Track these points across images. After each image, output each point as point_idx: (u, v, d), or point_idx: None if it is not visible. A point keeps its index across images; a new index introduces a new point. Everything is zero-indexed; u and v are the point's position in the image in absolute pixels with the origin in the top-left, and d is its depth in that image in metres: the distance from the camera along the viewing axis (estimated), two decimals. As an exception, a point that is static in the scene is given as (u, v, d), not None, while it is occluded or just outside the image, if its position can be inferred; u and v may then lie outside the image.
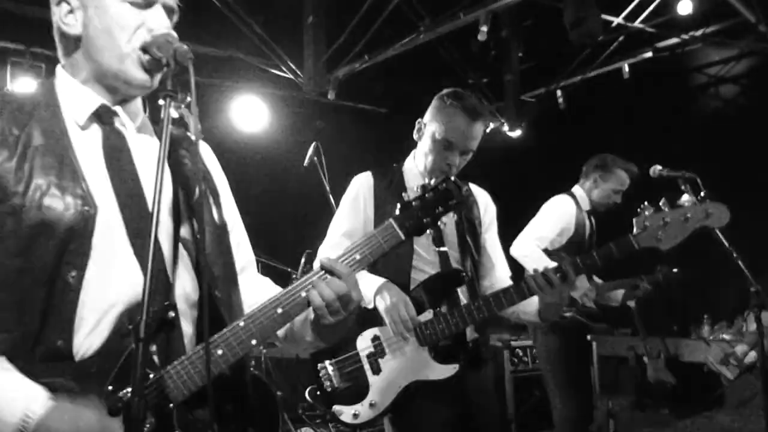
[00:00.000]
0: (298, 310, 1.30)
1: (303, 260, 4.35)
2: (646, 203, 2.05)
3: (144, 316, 1.00)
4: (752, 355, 4.62)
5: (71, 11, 1.28)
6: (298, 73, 5.82)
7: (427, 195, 1.45)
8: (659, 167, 3.18)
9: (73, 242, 1.16)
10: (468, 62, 6.95)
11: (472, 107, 2.28)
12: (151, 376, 1.16)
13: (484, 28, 5.03)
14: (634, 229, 2.05)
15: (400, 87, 6.61)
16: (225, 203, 1.47)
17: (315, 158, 4.21)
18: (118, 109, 1.32)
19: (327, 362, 2.16)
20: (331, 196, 4.27)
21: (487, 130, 2.30)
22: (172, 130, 1.12)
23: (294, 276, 4.63)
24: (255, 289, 1.48)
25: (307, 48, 5.85)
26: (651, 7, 5.57)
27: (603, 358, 4.89)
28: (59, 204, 1.17)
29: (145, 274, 1.02)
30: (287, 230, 5.69)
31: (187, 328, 1.29)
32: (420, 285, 2.20)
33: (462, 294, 2.26)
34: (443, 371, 2.10)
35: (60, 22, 1.29)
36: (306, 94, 6.03)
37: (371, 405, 2.07)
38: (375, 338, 2.14)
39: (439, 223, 1.77)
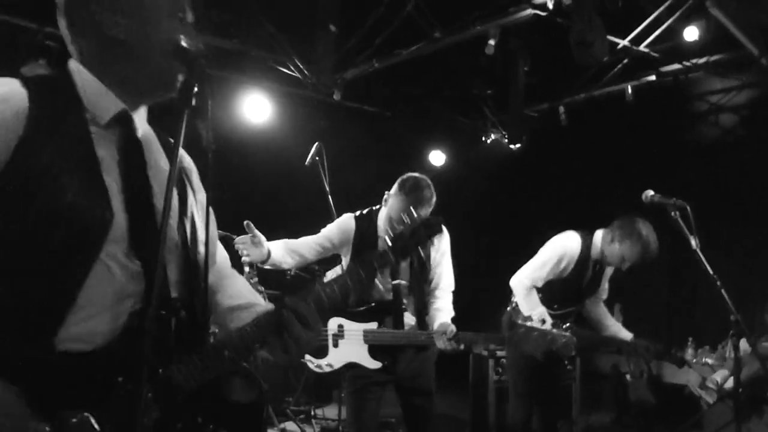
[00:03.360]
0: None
1: (298, 258, 4.39)
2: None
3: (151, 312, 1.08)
4: (732, 381, 4.68)
5: (119, 16, 1.29)
6: (306, 72, 5.87)
7: (414, 226, 1.69)
8: (651, 192, 3.21)
9: (85, 243, 1.19)
10: (474, 72, 7.02)
11: (422, 192, 3.00)
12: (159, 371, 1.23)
13: (492, 42, 5.10)
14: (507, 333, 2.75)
15: (405, 91, 6.67)
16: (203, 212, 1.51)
17: (317, 158, 4.24)
18: (135, 114, 1.36)
19: None
20: (330, 198, 4.32)
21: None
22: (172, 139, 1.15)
23: (289, 271, 4.69)
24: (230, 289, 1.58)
25: (317, 48, 5.90)
26: (657, 32, 5.64)
27: (585, 374, 4.97)
28: (82, 202, 1.19)
29: (149, 286, 1.12)
30: (285, 228, 5.72)
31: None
32: (373, 306, 3.09)
33: (407, 316, 3.13)
34: (371, 363, 3.04)
35: (105, 23, 1.29)
36: (312, 93, 6.08)
37: (327, 365, 3.11)
38: (340, 326, 3.11)
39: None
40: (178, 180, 1.41)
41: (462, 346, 2.97)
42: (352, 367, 3.07)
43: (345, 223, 3.19)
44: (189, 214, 1.41)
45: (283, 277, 4.67)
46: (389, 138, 6.76)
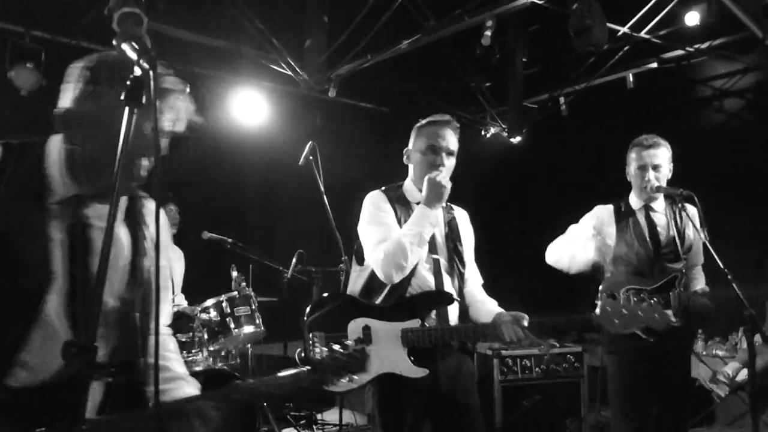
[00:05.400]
0: None
1: (294, 260, 4.31)
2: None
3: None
4: (744, 373, 4.59)
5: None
6: (298, 70, 5.76)
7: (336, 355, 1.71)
8: (656, 183, 3.13)
9: (26, 300, 1.35)
10: (471, 64, 6.90)
11: (440, 117, 2.67)
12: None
13: (489, 33, 4.99)
14: (597, 310, 2.22)
15: (402, 86, 6.56)
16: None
17: (310, 157, 4.15)
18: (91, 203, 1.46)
19: (320, 333, 2.44)
20: (325, 197, 4.22)
21: (456, 135, 2.66)
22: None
23: (285, 274, 4.59)
24: None
25: (308, 45, 5.80)
26: (658, 18, 5.52)
27: (593, 368, 4.86)
28: (27, 262, 1.35)
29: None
30: (280, 228, 5.65)
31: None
32: (415, 296, 2.53)
33: (451, 309, 2.57)
34: (414, 371, 2.42)
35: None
36: (306, 91, 5.98)
37: (349, 380, 2.27)
38: (366, 327, 2.46)
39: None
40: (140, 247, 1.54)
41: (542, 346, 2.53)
42: (392, 379, 2.44)
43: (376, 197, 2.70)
44: (144, 276, 1.52)
45: (280, 280, 4.57)
46: (386, 134, 6.65)
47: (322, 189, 4.15)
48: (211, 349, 3.96)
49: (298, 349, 2.46)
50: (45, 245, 1.37)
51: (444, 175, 2.54)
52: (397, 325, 2.45)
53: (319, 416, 5.12)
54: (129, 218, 1.53)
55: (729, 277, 2.55)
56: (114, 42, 1.19)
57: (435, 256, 2.58)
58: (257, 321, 4.14)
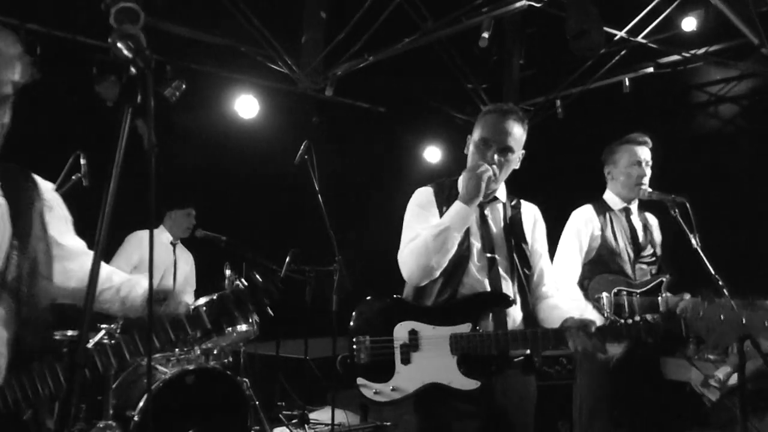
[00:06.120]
0: None
1: (288, 259, 4.30)
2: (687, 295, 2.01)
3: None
4: (735, 377, 4.59)
5: None
6: (295, 69, 5.76)
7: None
8: (649, 189, 3.14)
9: None
10: (468, 66, 6.91)
11: (501, 106, 2.43)
12: None
13: (486, 35, 4.99)
14: (688, 314, 2.02)
15: (398, 86, 6.56)
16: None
17: (306, 157, 4.15)
18: None
19: (364, 338, 2.29)
20: (320, 196, 4.22)
21: (523, 132, 2.40)
22: None
23: (278, 273, 4.58)
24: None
25: (305, 43, 5.79)
26: (654, 23, 5.54)
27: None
28: None
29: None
30: (274, 227, 5.63)
31: None
32: (467, 298, 2.29)
33: (511, 314, 2.32)
34: (464, 383, 2.19)
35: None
36: (302, 89, 5.97)
37: (393, 389, 2.23)
38: (413, 332, 2.25)
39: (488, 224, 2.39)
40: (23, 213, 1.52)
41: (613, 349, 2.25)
42: (440, 391, 2.21)
43: (424, 194, 2.50)
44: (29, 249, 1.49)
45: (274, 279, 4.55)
46: (382, 134, 6.65)
47: (317, 188, 4.16)
48: (204, 347, 3.95)
49: (341, 355, 2.29)
50: None
51: (485, 168, 2.30)
52: (446, 330, 2.22)
53: (311, 415, 5.11)
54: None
55: (720, 283, 2.55)
56: (109, 39, 1.19)
57: (490, 255, 2.35)
58: (250, 320, 4.12)
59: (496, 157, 2.35)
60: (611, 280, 3.08)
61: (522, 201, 2.58)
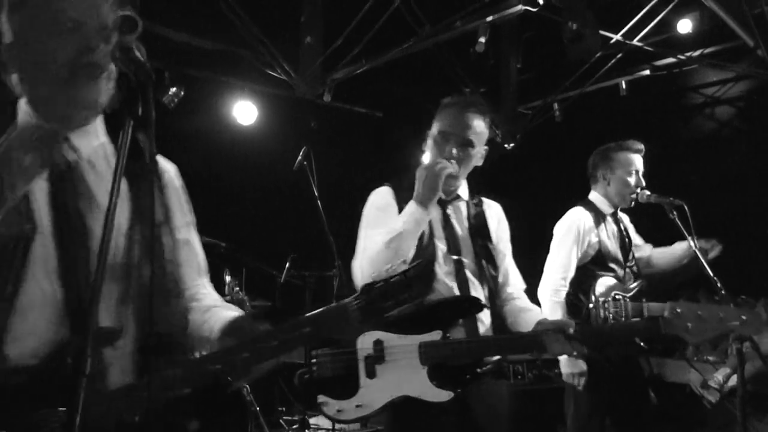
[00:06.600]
0: None
1: (287, 265, 4.31)
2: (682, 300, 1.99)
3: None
4: (735, 379, 4.60)
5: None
6: (293, 74, 5.77)
7: (392, 279, 1.39)
8: (647, 192, 3.14)
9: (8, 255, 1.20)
10: (465, 70, 6.93)
11: (464, 99, 2.31)
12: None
13: (483, 39, 5.01)
14: (665, 313, 1.96)
15: (396, 91, 6.58)
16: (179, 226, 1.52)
17: (305, 162, 4.16)
18: (75, 135, 1.33)
19: (323, 350, 2.10)
20: (319, 202, 4.23)
21: (485, 127, 2.26)
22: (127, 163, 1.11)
23: (278, 278, 4.59)
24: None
25: (303, 48, 5.81)
26: (650, 26, 5.56)
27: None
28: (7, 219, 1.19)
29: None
30: (273, 233, 5.64)
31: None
32: (434, 304, 2.11)
33: (481, 318, 2.19)
34: (436, 395, 2.00)
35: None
36: (300, 95, 5.99)
37: (357, 406, 2.03)
38: (377, 342, 2.05)
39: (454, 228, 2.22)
40: (141, 202, 1.37)
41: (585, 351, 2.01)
42: (410, 405, 2.02)
43: (382, 193, 2.38)
44: (145, 234, 1.36)
45: (273, 285, 4.57)
46: (380, 139, 6.67)
47: (316, 194, 4.17)
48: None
49: (299, 371, 2.10)
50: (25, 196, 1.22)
51: (443, 165, 2.15)
52: (414, 339, 2.03)
53: (311, 421, 5.11)
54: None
55: (719, 285, 2.57)
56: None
57: (457, 257, 2.20)
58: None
59: (455, 151, 2.21)
60: (611, 285, 3.08)
61: (484, 199, 2.45)
